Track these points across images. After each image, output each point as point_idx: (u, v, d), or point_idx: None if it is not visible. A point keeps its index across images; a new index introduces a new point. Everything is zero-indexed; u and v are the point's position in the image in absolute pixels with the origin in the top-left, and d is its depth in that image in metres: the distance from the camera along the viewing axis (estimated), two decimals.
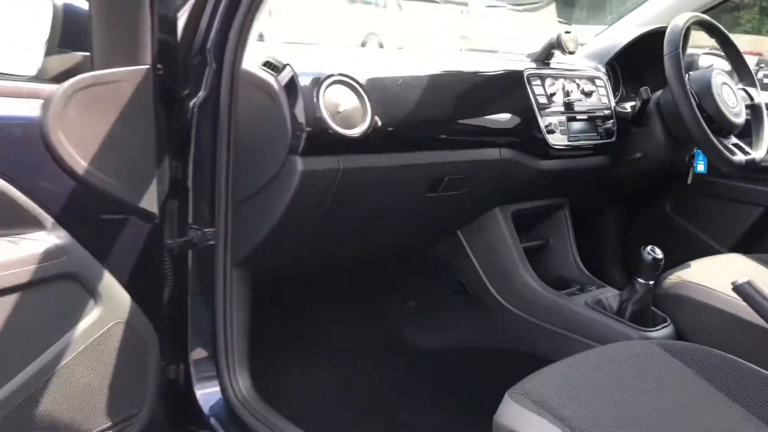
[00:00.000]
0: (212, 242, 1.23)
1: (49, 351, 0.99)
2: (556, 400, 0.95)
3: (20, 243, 0.97)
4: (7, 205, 0.96)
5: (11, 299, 0.94)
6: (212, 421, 1.29)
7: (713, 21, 1.73)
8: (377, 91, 1.25)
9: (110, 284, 1.08)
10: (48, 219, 1.00)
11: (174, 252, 1.20)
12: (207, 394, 1.30)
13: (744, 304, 1.33)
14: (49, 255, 0.98)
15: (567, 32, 1.57)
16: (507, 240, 1.64)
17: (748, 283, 1.29)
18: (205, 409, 1.29)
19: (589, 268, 1.80)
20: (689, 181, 1.91)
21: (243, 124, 1.21)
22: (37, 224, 0.99)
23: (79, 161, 1.01)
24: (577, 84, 1.65)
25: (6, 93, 1.05)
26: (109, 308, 1.07)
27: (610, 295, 1.62)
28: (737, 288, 1.33)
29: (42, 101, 0.99)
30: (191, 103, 1.17)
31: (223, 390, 1.30)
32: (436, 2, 15.48)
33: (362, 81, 1.23)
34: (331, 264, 1.58)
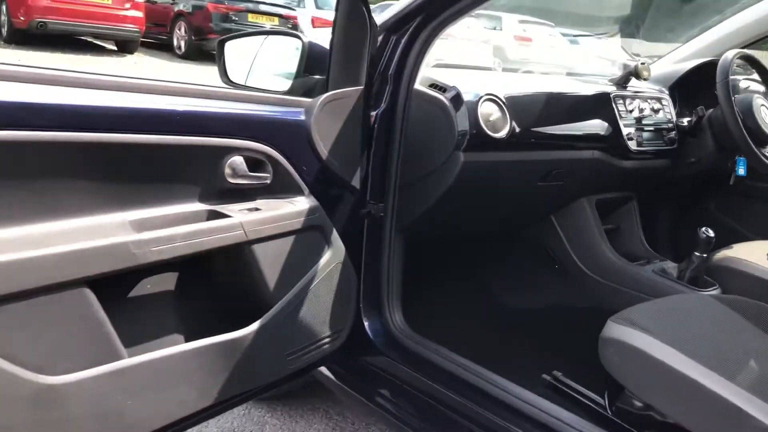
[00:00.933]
0: (382, 214, 1.70)
1: (306, 275, 1.47)
2: (644, 322, 1.42)
3: (294, 203, 1.45)
4: (287, 177, 1.44)
5: (291, 239, 1.42)
6: (376, 343, 1.75)
7: (753, 56, 2.19)
8: (513, 106, 1.73)
9: (335, 236, 1.55)
10: (305, 188, 1.48)
11: (359, 218, 1.68)
12: (372, 323, 1.77)
13: None
14: (310, 212, 1.46)
15: (642, 63, 2.05)
16: (591, 222, 2.11)
17: None
18: (371, 334, 1.75)
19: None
20: (731, 183, 2.36)
21: (413, 129, 1.68)
22: (300, 191, 1.47)
23: (324, 150, 1.49)
24: (648, 103, 2.12)
25: (271, 102, 1.54)
26: (335, 252, 1.55)
27: (670, 265, 2.08)
28: None
29: (304, 108, 1.48)
30: (374, 113, 1.64)
31: (384, 320, 1.76)
32: (471, 16, 15.76)
33: (503, 98, 1.72)
34: (460, 236, 2.05)
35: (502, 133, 1.69)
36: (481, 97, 1.67)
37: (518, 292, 2.25)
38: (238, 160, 1.33)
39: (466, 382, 1.59)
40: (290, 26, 11.57)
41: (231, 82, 1.63)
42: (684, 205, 2.51)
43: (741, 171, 2.32)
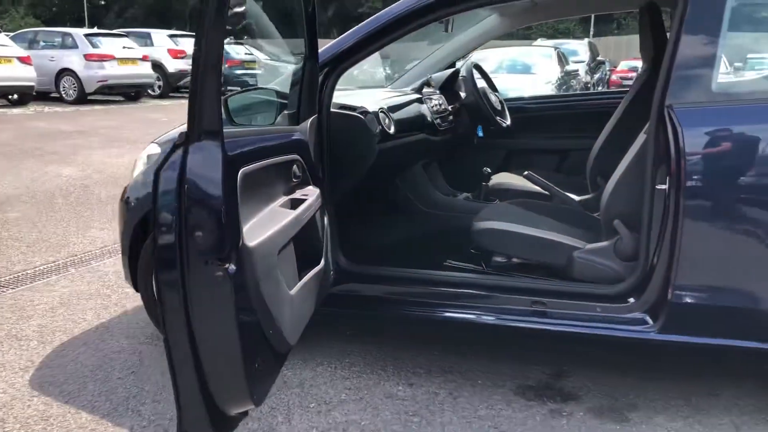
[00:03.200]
0: (319, 191, 2.68)
1: (326, 231, 2.40)
2: (491, 216, 2.71)
3: (310, 190, 2.35)
4: (304, 174, 2.34)
5: (318, 211, 2.34)
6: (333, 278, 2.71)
7: (479, 64, 3.63)
8: (391, 112, 2.84)
9: (323, 207, 2.50)
10: (310, 179, 2.40)
11: None
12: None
13: (530, 183, 3.20)
14: (319, 194, 2.39)
15: (430, 77, 3.32)
16: (422, 178, 3.34)
17: (529, 173, 3.17)
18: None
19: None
20: (475, 142, 3.80)
21: (341, 137, 2.67)
22: (308, 182, 2.38)
23: (313, 155, 2.43)
24: (435, 100, 3.42)
25: (285, 131, 2.40)
26: (325, 218, 2.49)
27: (468, 194, 3.42)
28: (526, 176, 3.20)
29: (299, 131, 2.40)
30: None
31: (335, 263, 2.73)
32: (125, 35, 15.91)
33: (386, 108, 2.82)
34: (362, 198, 3.08)
35: (392, 130, 2.81)
36: (378, 110, 2.76)
37: (401, 226, 3.39)
38: (296, 166, 2.23)
39: (394, 277, 2.67)
40: None
41: (235, 123, 2.43)
42: (452, 159, 3.91)
43: (480, 134, 3.78)
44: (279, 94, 2.50)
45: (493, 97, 3.59)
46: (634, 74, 20.38)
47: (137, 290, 3.04)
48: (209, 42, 1.44)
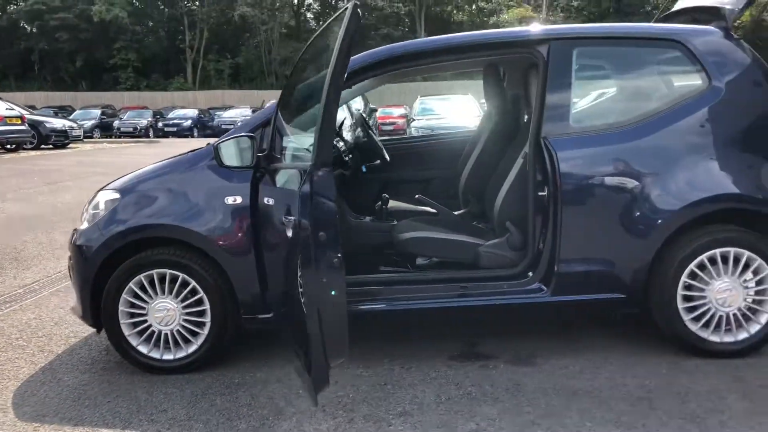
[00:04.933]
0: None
1: None
2: (408, 229, 3.52)
3: None
4: None
5: None
6: None
7: (368, 110, 4.43)
8: None
9: None
10: None
11: None
12: None
13: (413, 205, 4.07)
14: None
15: (342, 120, 4.05)
16: (341, 206, 4.03)
17: (420, 195, 4.04)
18: None
19: None
20: (359, 176, 4.58)
21: None
22: None
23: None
24: (340, 142, 4.14)
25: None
26: None
27: (371, 217, 4.18)
28: (418, 198, 4.07)
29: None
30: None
31: None
32: None
33: None
34: None
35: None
36: None
37: None
38: None
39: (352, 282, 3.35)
40: None
41: (225, 166, 2.96)
42: (350, 189, 4.63)
43: (364, 169, 4.58)
44: (252, 139, 3.07)
45: (377, 138, 4.42)
46: (390, 119, 22.59)
47: (96, 326, 3.32)
48: (329, 107, 2.10)
